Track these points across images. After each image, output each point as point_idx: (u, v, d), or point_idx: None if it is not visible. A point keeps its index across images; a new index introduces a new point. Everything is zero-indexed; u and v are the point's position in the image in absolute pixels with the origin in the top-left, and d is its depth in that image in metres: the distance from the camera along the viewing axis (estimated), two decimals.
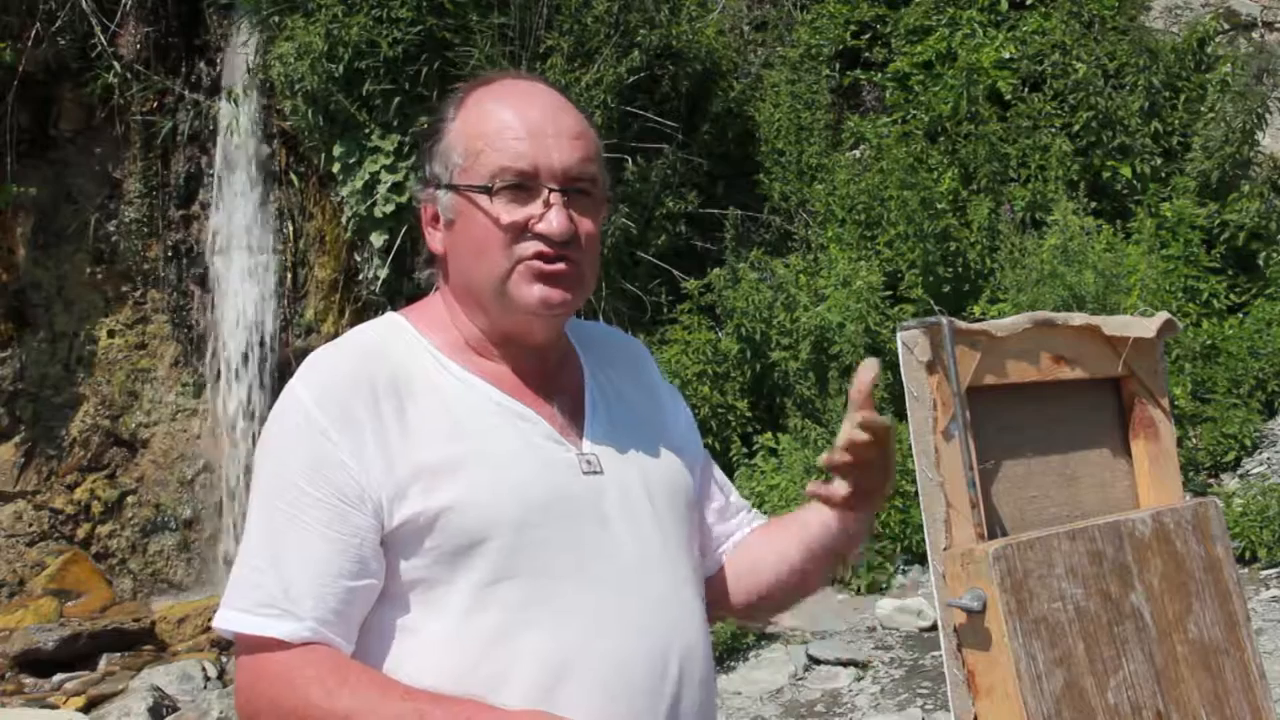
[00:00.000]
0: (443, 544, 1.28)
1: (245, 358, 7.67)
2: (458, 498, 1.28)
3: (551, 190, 1.35)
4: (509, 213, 1.34)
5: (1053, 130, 7.20)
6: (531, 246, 1.34)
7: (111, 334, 7.82)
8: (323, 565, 1.27)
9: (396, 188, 6.84)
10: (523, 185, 1.35)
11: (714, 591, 1.55)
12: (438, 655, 1.28)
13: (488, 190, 1.35)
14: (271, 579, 1.27)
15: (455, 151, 1.38)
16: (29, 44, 7.41)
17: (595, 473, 1.38)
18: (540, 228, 1.34)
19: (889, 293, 6.84)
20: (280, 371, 7.58)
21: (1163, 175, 7.26)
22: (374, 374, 1.33)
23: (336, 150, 6.95)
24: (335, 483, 1.28)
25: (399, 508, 1.28)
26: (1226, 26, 7.84)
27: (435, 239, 1.43)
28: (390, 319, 1.45)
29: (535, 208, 1.35)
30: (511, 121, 1.37)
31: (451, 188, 1.38)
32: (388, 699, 1.22)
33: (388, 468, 1.28)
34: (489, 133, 1.37)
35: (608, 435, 1.43)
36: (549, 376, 1.43)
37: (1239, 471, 6.07)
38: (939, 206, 6.76)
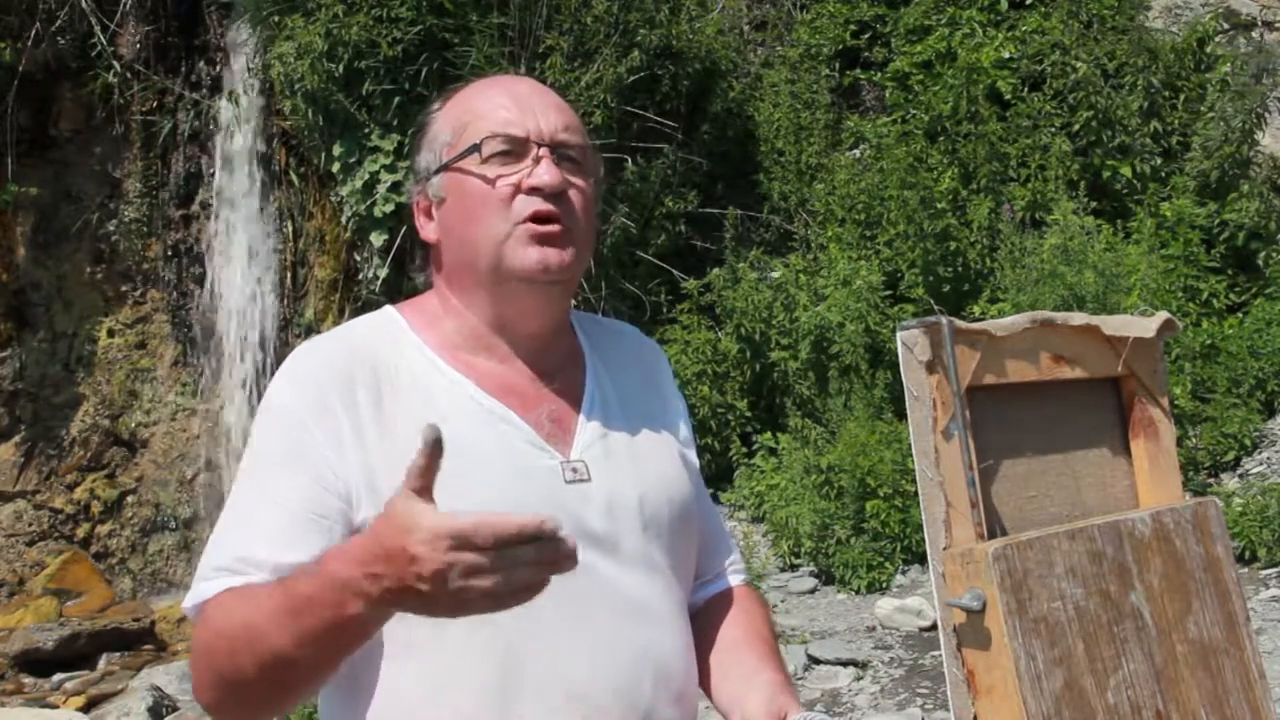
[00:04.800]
0: None
1: (245, 357, 7.67)
2: None
3: (540, 147, 1.34)
4: (500, 173, 1.33)
5: (1053, 130, 7.20)
6: (526, 206, 1.32)
7: (111, 334, 7.82)
8: (295, 538, 1.24)
9: (396, 187, 6.84)
10: (512, 150, 1.34)
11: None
12: (403, 663, 1.27)
13: (477, 149, 1.33)
14: (232, 544, 1.25)
15: (443, 133, 1.38)
16: (29, 44, 7.42)
17: (581, 480, 1.34)
18: (531, 182, 1.32)
19: (889, 292, 6.84)
20: (280, 370, 7.58)
21: (1162, 175, 7.26)
22: (354, 366, 1.32)
23: (336, 150, 6.95)
24: (313, 467, 1.27)
25: (369, 499, 1.26)
26: (1226, 26, 7.84)
27: (428, 228, 1.41)
28: (384, 312, 1.43)
29: (526, 166, 1.34)
30: (497, 96, 1.38)
31: (441, 168, 1.37)
32: (271, 594, 1.17)
33: (362, 459, 1.27)
34: (476, 108, 1.37)
35: (602, 442, 1.38)
36: (545, 377, 1.39)
37: (1239, 471, 6.07)
38: (939, 206, 6.76)
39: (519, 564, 1.02)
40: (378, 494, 1.26)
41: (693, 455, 1.54)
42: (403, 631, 1.26)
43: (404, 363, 1.35)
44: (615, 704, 1.30)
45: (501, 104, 1.36)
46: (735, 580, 1.55)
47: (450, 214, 1.37)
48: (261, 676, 1.18)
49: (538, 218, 1.32)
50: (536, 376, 1.39)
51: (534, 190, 1.32)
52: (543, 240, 1.32)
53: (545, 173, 1.32)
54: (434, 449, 1.05)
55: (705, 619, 1.48)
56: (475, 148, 1.34)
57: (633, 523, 1.36)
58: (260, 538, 1.25)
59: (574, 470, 1.35)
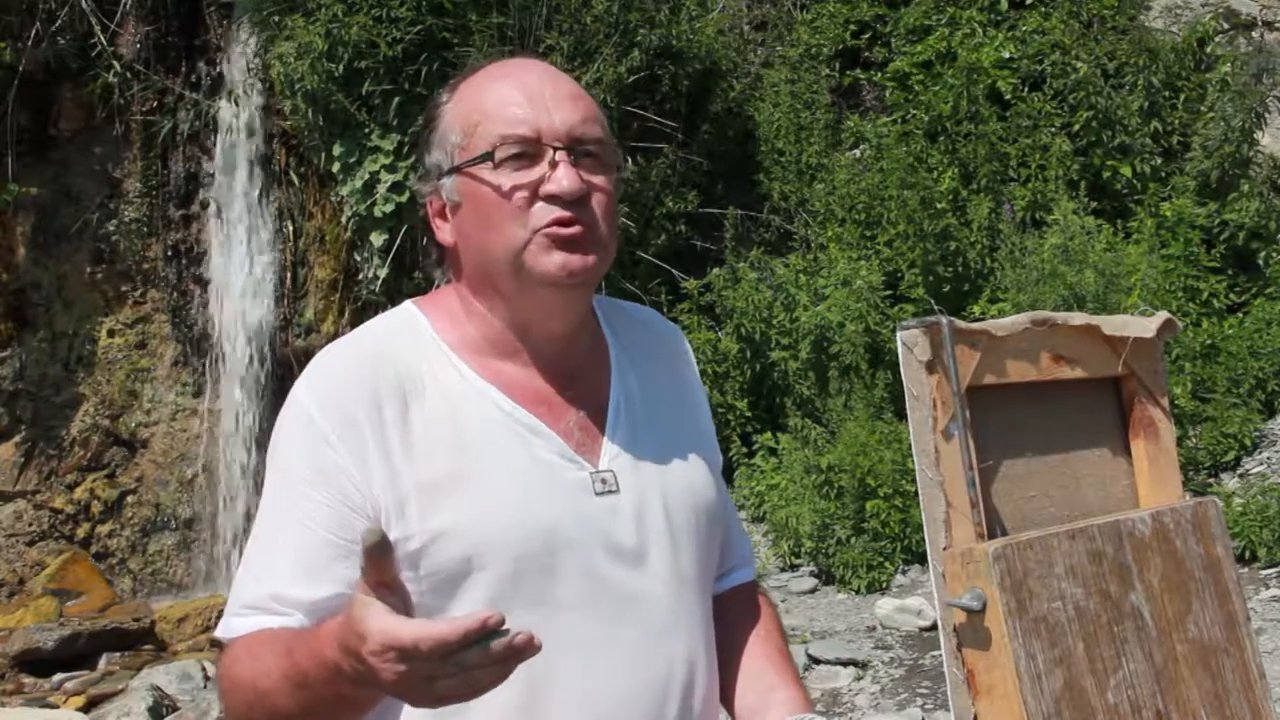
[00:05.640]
0: (439, 569, 1.23)
1: (245, 357, 7.67)
2: (454, 521, 1.23)
3: (556, 149, 1.28)
4: (515, 180, 1.27)
5: (1053, 130, 7.20)
6: (545, 213, 1.27)
7: (111, 334, 7.83)
8: (322, 570, 1.23)
9: (396, 187, 6.84)
10: (526, 152, 1.28)
11: None
12: None
13: (490, 158, 1.28)
14: (266, 583, 1.24)
15: (453, 132, 1.32)
16: (29, 44, 7.42)
17: (610, 492, 1.31)
18: (549, 189, 1.27)
19: (889, 292, 6.84)
20: (280, 371, 7.58)
21: (1163, 175, 7.26)
22: (378, 378, 1.27)
23: (336, 150, 6.95)
24: (339, 488, 1.24)
25: (397, 522, 1.23)
26: (1226, 26, 7.83)
27: (444, 230, 1.36)
28: (405, 311, 1.38)
29: (542, 170, 1.28)
30: (507, 91, 1.31)
31: (453, 170, 1.31)
32: (279, 662, 1.17)
33: (389, 479, 1.24)
34: (485, 106, 1.31)
35: (629, 448, 1.35)
36: (570, 378, 1.36)
37: (1239, 471, 6.07)
38: (939, 206, 6.76)
39: (473, 667, 1.00)
40: (404, 517, 1.24)
41: (715, 448, 1.51)
42: None
43: (428, 369, 1.31)
44: None
45: (512, 100, 1.30)
46: (747, 575, 1.55)
47: (466, 220, 1.32)
48: None
49: (557, 223, 1.28)
50: (562, 379, 1.35)
51: (551, 197, 1.27)
52: (564, 244, 1.28)
53: (563, 178, 1.26)
54: (375, 551, 1.01)
55: (724, 615, 1.46)
56: (488, 156, 1.28)
57: (661, 534, 1.34)
58: (290, 572, 1.24)
59: (603, 481, 1.31)
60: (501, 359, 1.34)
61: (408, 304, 1.40)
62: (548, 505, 1.28)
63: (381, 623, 1.01)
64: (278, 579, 1.24)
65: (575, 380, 1.37)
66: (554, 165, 1.28)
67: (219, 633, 1.27)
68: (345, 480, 1.24)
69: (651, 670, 1.30)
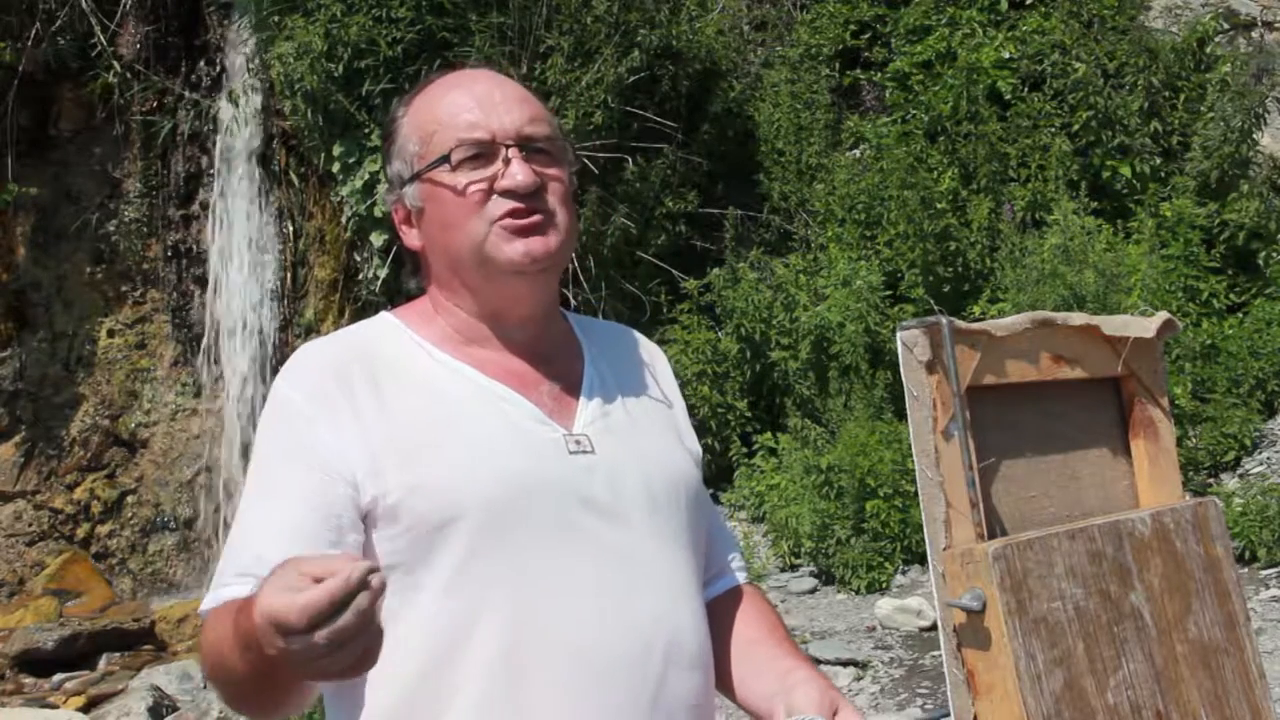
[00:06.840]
0: (416, 524, 1.27)
1: (245, 358, 7.67)
2: (428, 476, 1.28)
3: (508, 147, 1.36)
4: (472, 178, 1.35)
5: (1052, 130, 7.19)
6: (501, 206, 1.35)
7: (111, 334, 7.83)
8: (300, 532, 1.25)
9: None
10: (481, 153, 1.36)
11: None
12: (415, 638, 1.26)
13: (446, 160, 1.35)
14: (250, 548, 1.27)
15: (411, 142, 1.40)
16: (29, 44, 7.42)
17: (585, 452, 1.36)
18: (504, 183, 1.34)
19: (889, 293, 6.84)
20: (280, 371, 7.58)
21: (1162, 175, 7.26)
22: (353, 363, 1.35)
23: (336, 150, 6.95)
24: (319, 458, 1.29)
25: (372, 484, 1.28)
26: (1226, 26, 7.83)
27: (410, 236, 1.44)
28: (380, 317, 1.46)
29: (496, 168, 1.35)
30: (459, 99, 1.39)
31: (414, 177, 1.39)
32: (235, 622, 1.15)
33: (363, 444, 1.29)
34: (439, 115, 1.39)
35: (604, 417, 1.41)
36: (543, 361, 1.42)
37: (1239, 471, 6.07)
38: (939, 206, 6.76)
39: (350, 632, 0.98)
40: (380, 475, 1.28)
41: (695, 444, 1.54)
42: (410, 606, 1.28)
43: (402, 356, 1.38)
44: (625, 672, 1.29)
45: (464, 106, 1.38)
46: (740, 578, 1.55)
47: (429, 223, 1.40)
48: (245, 692, 1.21)
49: (514, 214, 1.35)
50: (534, 360, 1.41)
51: (507, 192, 1.34)
52: (523, 232, 1.35)
53: (517, 173, 1.34)
54: (364, 584, 0.98)
55: (717, 618, 1.46)
56: (444, 159, 1.36)
57: (639, 496, 1.37)
58: (272, 538, 1.26)
59: (577, 442, 1.36)
60: (474, 345, 1.40)
61: (383, 313, 1.47)
62: (520, 460, 1.32)
63: (265, 599, 1.01)
64: (261, 543, 1.26)
65: (549, 362, 1.42)
66: (507, 162, 1.35)
67: (202, 607, 1.29)
68: (323, 449, 1.29)
69: (631, 618, 1.31)
